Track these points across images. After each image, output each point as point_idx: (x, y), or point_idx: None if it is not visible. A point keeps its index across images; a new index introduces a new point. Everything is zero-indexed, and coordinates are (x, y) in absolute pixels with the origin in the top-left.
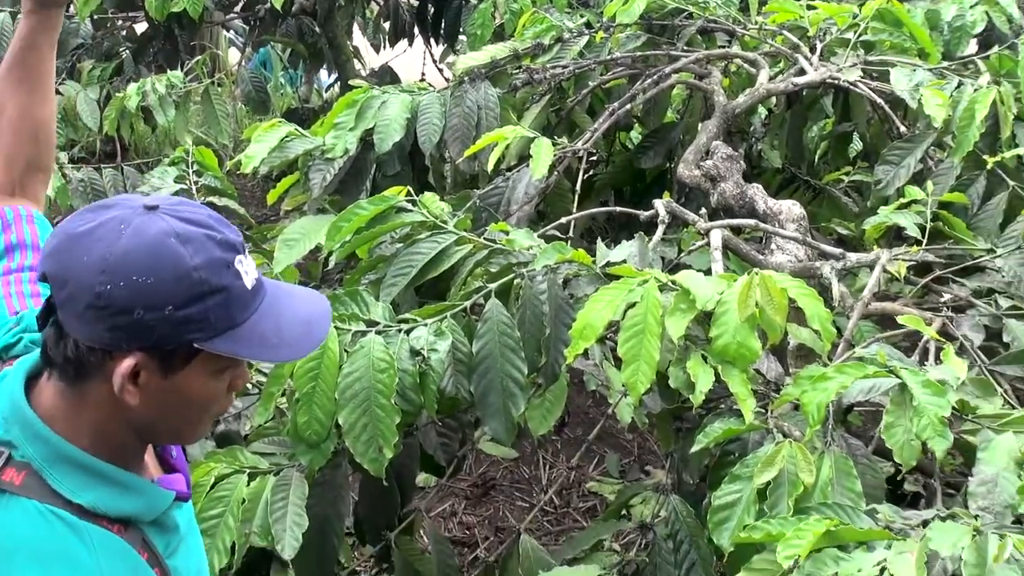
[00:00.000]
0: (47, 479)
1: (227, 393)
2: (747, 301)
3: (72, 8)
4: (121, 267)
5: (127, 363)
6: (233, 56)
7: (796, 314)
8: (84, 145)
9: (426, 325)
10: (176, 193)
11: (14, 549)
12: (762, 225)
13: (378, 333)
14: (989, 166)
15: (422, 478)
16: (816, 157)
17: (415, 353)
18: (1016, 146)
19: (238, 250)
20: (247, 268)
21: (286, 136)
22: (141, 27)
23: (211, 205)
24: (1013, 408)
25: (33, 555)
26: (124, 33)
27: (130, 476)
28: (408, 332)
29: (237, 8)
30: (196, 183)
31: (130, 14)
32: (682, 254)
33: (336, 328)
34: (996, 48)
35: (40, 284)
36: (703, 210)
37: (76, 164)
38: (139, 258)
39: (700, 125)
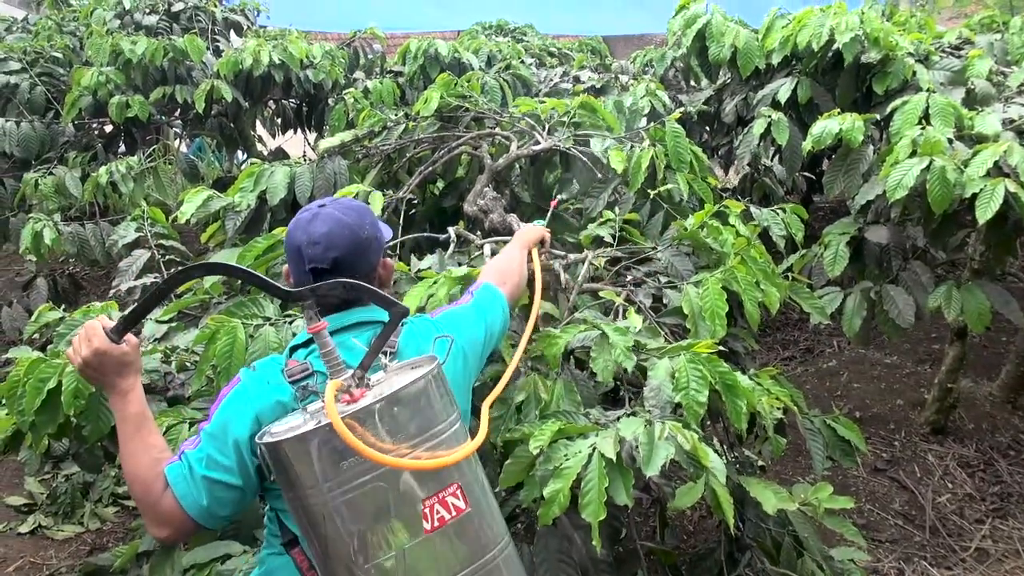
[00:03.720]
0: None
1: None
2: None
3: (60, 117)
4: (364, 220)
5: (390, 263)
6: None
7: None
8: (78, 208)
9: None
10: (134, 240)
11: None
12: None
13: (271, 325)
14: (651, 196)
15: None
16: (553, 194)
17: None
18: (666, 184)
19: None
20: None
21: (207, 197)
22: (109, 127)
23: (160, 246)
24: (669, 343)
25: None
26: (97, 132)
27: None
28: (291, 323)
29: (176, 113)
30: (151, 231)
31: (101, 119)
32: (470, 259)
33: (243, 323)
34: (654, 123)
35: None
36: (478, 232)
37: (67, 222)
38: (362, 213)
39: (477, 178)
